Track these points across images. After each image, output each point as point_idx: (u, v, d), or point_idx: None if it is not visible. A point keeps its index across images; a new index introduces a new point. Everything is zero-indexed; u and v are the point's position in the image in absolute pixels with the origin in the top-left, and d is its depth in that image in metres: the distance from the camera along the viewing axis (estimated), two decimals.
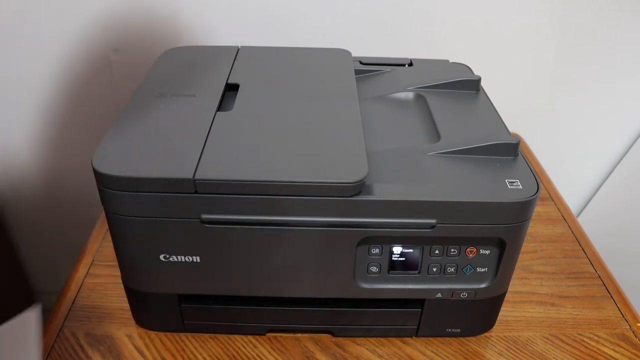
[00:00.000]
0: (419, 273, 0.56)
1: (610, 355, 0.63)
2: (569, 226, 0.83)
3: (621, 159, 1.10)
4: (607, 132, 1.09)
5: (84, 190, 1.12)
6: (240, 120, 0.57)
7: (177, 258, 0.53)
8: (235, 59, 0.70)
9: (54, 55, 0.94)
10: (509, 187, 0.52)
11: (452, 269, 0.56)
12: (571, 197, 1.12)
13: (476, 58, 0.85)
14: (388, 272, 0.56)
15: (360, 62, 0.76)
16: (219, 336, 0.62)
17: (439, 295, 0.57)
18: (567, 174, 1.10)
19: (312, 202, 0.49)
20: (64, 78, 0.97)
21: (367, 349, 0.62)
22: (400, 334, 0.63)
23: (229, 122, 0.56)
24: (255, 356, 0.61)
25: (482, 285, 0.57)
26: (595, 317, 0.67)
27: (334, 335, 0.63)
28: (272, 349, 0.61)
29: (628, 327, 0.66)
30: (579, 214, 1.17)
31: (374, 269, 0.56)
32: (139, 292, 0.58)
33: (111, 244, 0.56)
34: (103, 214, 0.78)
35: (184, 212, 0.50)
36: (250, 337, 0.63)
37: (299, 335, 0.63)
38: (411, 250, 0.55)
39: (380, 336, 0.63)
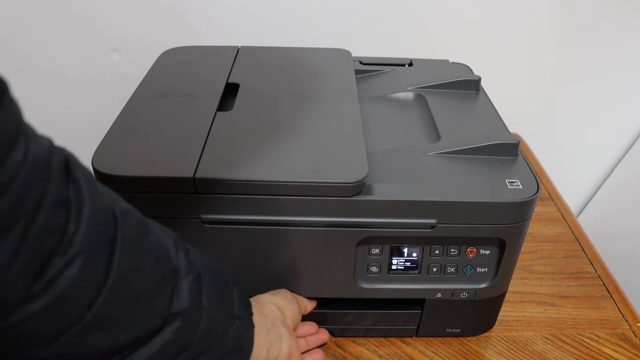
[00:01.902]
0: (419, 273, 0.56)
1: (610, 355, 0.63)
2: (569, 226, 0.83)
3: (621, 159, 1.10)
4: (607, 132, 1.09)
5: None
6: (240, 120, 0.57)
7: None
8: (235, 59, 0.70)
9: (54, 55, 0.94)
10: (509, 187, 0.52)
11: (452, 269, 0.56)
12: (571, 197, 1.12)
13: (476, 58, 0.85)
14: (388, 272, 0.56)
15: (360, 62, 0.76)
16: None
17: (439, 295, 0.57)
18: (567, 174, 1.10)
19: (312, 202, 0.49)
20: (64, 78, 0.97)
21: (367, 349, 0.62)
22: (400, 334, 0.63)
23: (229, 122, 0.56)
24: None
25: (482, 285, 0.57)
26: (595, 317, 0.67)
27: (334, 335, 0.63)
28: None
29: (628, 327, 0.66)
30: (579, 214, 1.17)
31: (374, 269, 0.56)
32: None
33: None
34: None
35: (184, 212, 0.50)
36: None
37: None
38: (411, 250, 0.55)
39: (380, 336, 0.63)
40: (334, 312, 0.60)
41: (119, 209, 0.35)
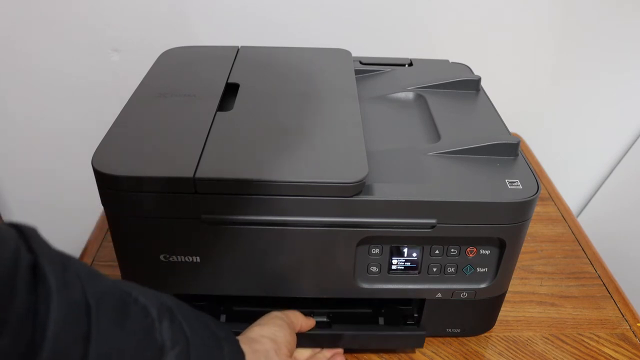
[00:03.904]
0: (419, 273, 0.56)
1: (610, 355, 0.63)
2: (569, 226, 0.83)
3: (621, 159, 1.10)
4: (607, 132, 1.09)
5: (84, 190, 1.11)
6: (240, 120, 0.57)
7: (177, 258, 0.53)
8: (235, 59, 0.70)
9: (54, 55, 0.94)
10: (509, 187, 0.52)
11: (452, 269, 0.56)
12: (571, 197, 1.12)
13: (476, 58, 0.85)
14: (388, 272, 0.56)
15: (360, 62, 0.76)
16: None
17: (439, 295, 0.57)
18: (567, 174, 1.10)
19: (312, 202, 0.49)
20: (64, 78, 0.97)
21: None
22: None
23: (229, 121, 0.56)
24: None
25: (482, 285, 0.57)
26: (595, 317, 0.67)
27: None
28: None
29: (628, 327, 0.66)
30: (579, 214, 1.17)
31: (374, 269, 0.56)
32: None
33: (111, 244, 0.56)
34: (103, 214, 0.78)
35: (184, 211, 0.50)
36: None
37: None
38: (411, 250, 0.55)
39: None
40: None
41: (94, 293, 0.32)
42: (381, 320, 0.60)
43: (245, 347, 0.47)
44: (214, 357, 0.42)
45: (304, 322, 0.57)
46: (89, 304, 0.32)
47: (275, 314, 0.54)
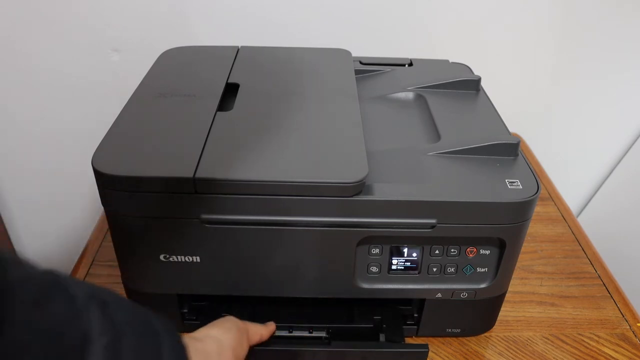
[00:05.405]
0: (419, 273, 0.56)
1: (610, 355, 0.63)
2: (569, 226, 0.83)
3: (621, 159, 1.10)
4: (607, 132, 1.09)
5: (84, 190, 1.11)
6: (240, 120, 0.57)
7: (177, 258, 0.53)
8: (235, 59, 0.70)
9: (54, 55, 0.94)
10: (509, 187, 0.52)
11: (452, 269, 0.56)
12: (571, 197, 1.12)
13: (476, 58, 0.85)
14: (388, 272, 0.56)
15: (360, 62, 0.76)
16: None
17: (439, 295, 0.57)
18: (567, 174, 1.10)
19: (312, 202, 0.49)
20: (64, 78, 0.97)
21: None
22: None
23: (229, 121, 0.56)
24: None
25: (482, 285, 0.57)
26: (595, 317, 0.67)
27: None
28: None
29: (628, 327, 0.66)
30: (579, 214, 1.17)
31: (374, 269, 0.56)
32: (139, 292, 0.58)
33: (111, 244, 0.56)
34: (103, 214, 0.78)
35: (184, 211, 0.50)
36: None
37: None
38: (411, 250, 0.55)
39: None
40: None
41: (14, 278, 0.31)
42: (382, 337, 0.58)
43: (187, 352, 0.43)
44: (151, 349, 0.39)
45: (265, 331, 0.55)
46: (6, 288, 0.30)
47: (228, 317, 0.52)
